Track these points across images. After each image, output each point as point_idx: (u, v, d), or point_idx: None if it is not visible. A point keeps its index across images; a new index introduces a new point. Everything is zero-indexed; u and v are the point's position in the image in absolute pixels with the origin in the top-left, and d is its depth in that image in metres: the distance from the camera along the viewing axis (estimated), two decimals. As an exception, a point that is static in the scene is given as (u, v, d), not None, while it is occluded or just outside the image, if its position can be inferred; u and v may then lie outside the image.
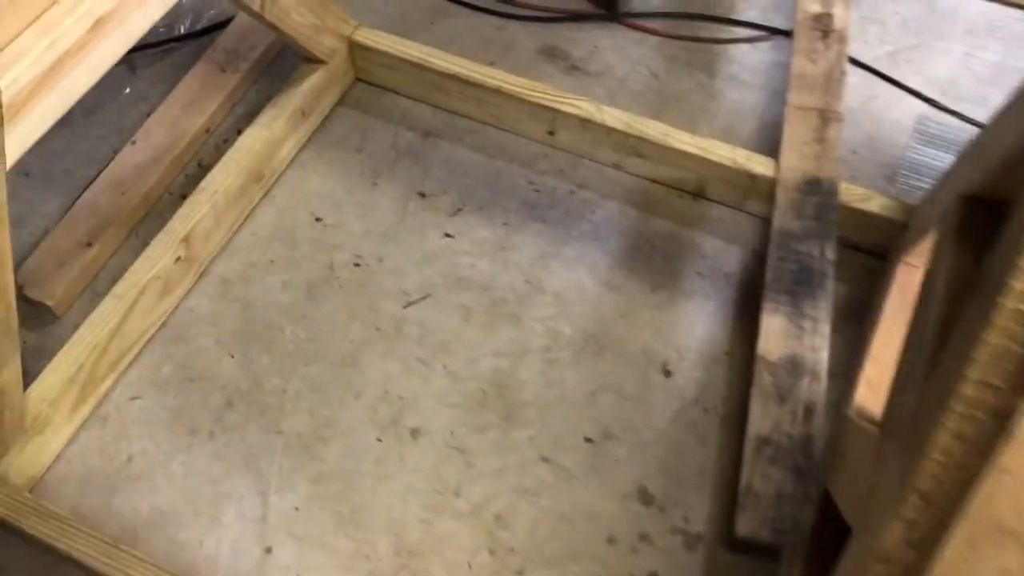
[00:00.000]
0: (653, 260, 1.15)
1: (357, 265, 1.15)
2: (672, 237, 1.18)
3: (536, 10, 1.42)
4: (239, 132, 1.26)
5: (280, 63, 1.35)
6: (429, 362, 1.07)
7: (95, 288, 1.13)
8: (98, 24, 0.82)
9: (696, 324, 1.10)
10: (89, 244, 1.13)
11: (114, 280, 1.10)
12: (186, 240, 1.08)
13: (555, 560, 0.94)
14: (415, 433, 1.02)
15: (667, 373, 1.06)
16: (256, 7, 1.04)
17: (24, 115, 0.78)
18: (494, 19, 1.42)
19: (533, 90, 1.20)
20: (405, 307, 1.11)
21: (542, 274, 1.14)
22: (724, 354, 1.08)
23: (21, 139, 0.79)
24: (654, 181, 1.22)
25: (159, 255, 1.06)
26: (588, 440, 1.01)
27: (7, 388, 0.86)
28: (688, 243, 1.17)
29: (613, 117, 1.17)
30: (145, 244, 1.14)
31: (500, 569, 0.93)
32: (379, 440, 1.01)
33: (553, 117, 1.20)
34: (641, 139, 1.16)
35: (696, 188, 1.20)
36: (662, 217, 1.19)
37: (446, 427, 1.02)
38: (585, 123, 1.18)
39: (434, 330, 1.09)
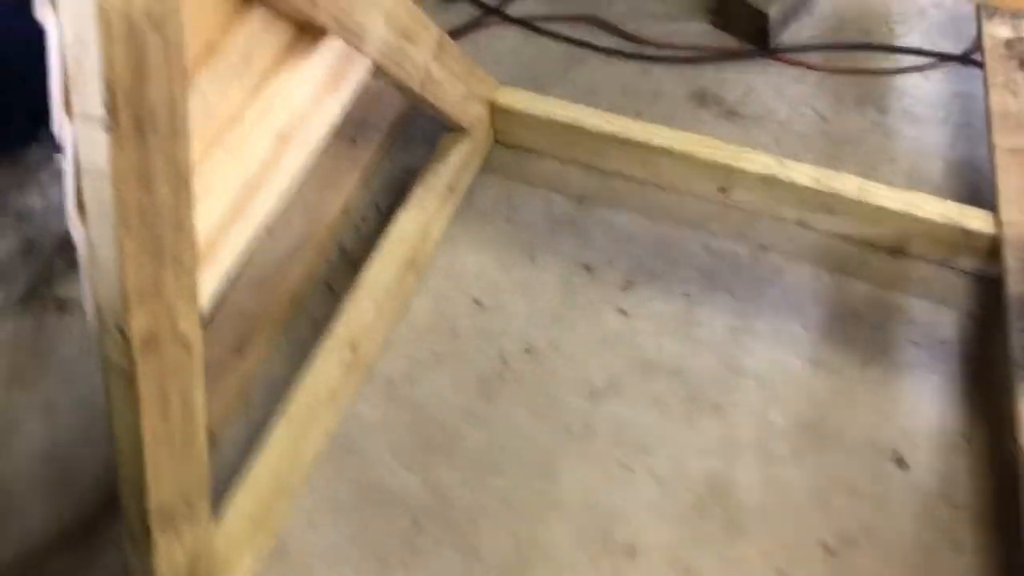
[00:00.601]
0: (859, 329, 1.05)
1: (529, 353, 1.05)
2: (874, 302, 1.07)
3: (678, 50, 1.32)
4: (378, 208, 1.18)
5: (410, 127, 1.26)
6: (631, 466, 0.97)
7: (250, 399, 1.04)
8: (280, 139, 0.73)
9: (921, 403, 0.99)
10: (239, 351, 1.04)
11: (269, 390, 1.02)
12: (352, 344, 0.99)
13: None
14: (630, 552, 0.92)
15: (901, 464, 0.95)
16: (416, 87, 0.94)
17: (216, 252, 0.69)
18: (633, 63, 1.32)
19: (704, 147, 1.10)
20: (590, 401, 1.01)
21: (737, 352, 1.04)
22: (962, 438, 0.97)
23: (213, 277, 0.70)
24: (845, 238, 1.11)
25: (326, 363, 0.97)
26: (827, 549, 0.91)
27: (200, 544, 0.77)
28: (893, 308, 1.06)
29: (800, 173, 1.07)
30: (298, 346, 1.05)
31: None
32: (591, 562, 0.91)
33: (728, 174, 1.10)
34: (833, 195, 1.05)
35: (896, 244, 1.09)
36: (860, 279, 1.09)
37: (664, 543, 0.92)
38: (766, 180, 1.08)
39: (629, 427, 0.99)
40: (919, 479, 0.94)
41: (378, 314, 1.02)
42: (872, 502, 0.93)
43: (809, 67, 1.29)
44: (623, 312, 1.08)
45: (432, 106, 1.01)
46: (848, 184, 1.05)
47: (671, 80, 1.29)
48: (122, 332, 0.59)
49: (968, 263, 1.06)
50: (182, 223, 0.60)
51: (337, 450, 0.99)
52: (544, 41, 1.35)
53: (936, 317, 1.05)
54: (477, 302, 1.10)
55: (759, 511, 0.93)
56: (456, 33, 1.34)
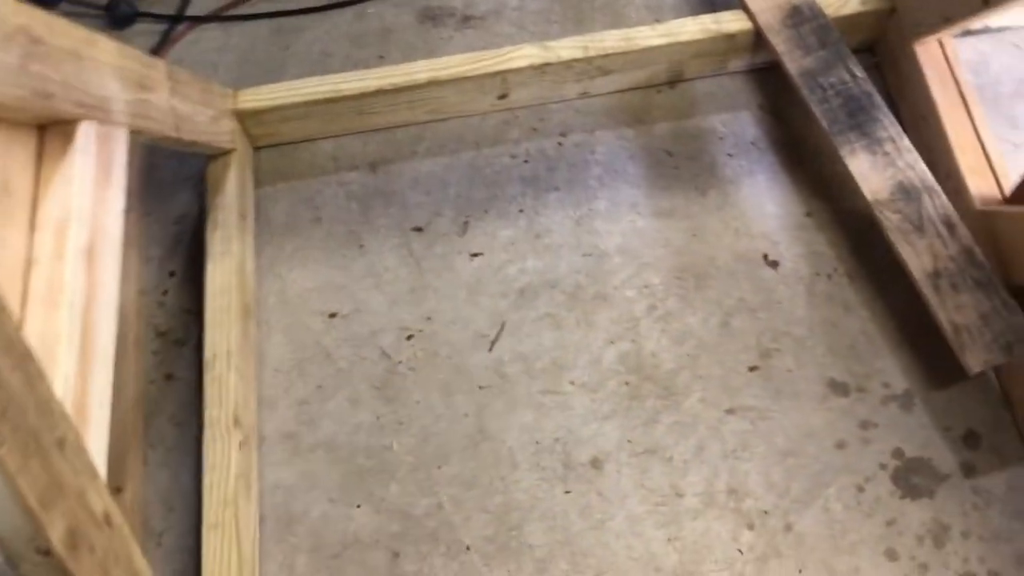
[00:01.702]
0: (680, 167, 1.11)
1: (410, 338, 1.03)
2: (679, 135, 1.13)
3: (385, -21, 1.28)
4: (172, 274, 1.09)
5: (155, 176, 1.16)
6: (555, 389, 0.99)
7: (151, 527, 0.95)
8: (88, 257, 0.65)
9: (761, 204, 1.08)
10: (118, 490, 0.94)
11: (167, 509, 0.94)
12: (235, 420, 0.92)
13: (808, 495, 0.92)
14: (596, 464, 0.95)
15: (772, 264, 1.04)
16: (172, 132, 0.86)
17: (87, 409, 0.61)
18: (348, 11, 1.27)
19: (467, 64, 1.09)
20: (491, 350, 1.01)
21: (591, 239, 1.07)
22: (807, 217, 1.07)
23: (100, 434, 0.62)
24: (626, 90, 1.16)
25: (219, 452, 0.90)
26: (753, 369, 0.98)
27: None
28: (697, 133, 1.13)
29: (566, 48, 1.09)
30: (173, 452, 0.97)
31: (770, 535, 0.90)
32: (568, 492, 0.94)
33: (503, 79, 1.10)
34: (605, 56, 1.09)
35: (672, 75, 1.15)
36: (657, 121, 1.14)
37: (618, 439, 0.96)
38: (538, 70, 1.10)
39: (535, 356, 1.01)
40: (791, 269, 1.03)
41: (241, 378, 0.96)
42: (767, 309, 1.01)
43: (513, -56, 1.29)
44: (474, 254, 1.07)
45: (190, 143, 0.93)
46: (612, 40, 1.09)
47: (392, 12, 1.26)
48: (43, 551, 0.52)
49: (740, 63, 1.14)
50: (46, 403, 0.52)
51: (276, 528, 0.94)
52: (246, 27, 1.27)
53: (736, 124, 1.13)
54: (331, 315, 1.05)
55: (681, 366, 0.99)
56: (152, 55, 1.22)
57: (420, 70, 1.09)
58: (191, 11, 1.28)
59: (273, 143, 1.16)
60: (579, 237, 1.07)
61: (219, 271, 1.00)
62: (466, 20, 1.25)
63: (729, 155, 1.11)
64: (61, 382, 0.56)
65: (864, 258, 1.03)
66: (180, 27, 1.27)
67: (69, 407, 0.56)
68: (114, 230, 0.67)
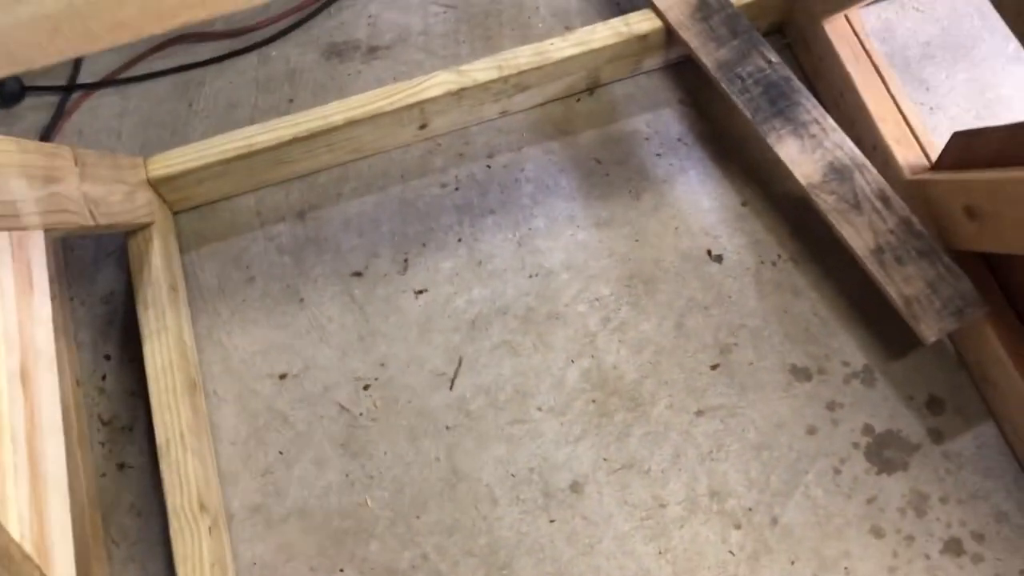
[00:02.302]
0: (611, 173, 1.11)
1: (367, 388, 1.01)
2: (605, 141, 1.13)
3: (278, 20, 1.25)
4: (108, 358, 1.05)
5: (74, 257, 1.11)
6: (522, 418, 0.98)
7: (133, 631, 0.92)
8: (23, 379, 0.62)
9: (698, 199, 1.09)
10: (85, 596, 0.91)
11: (146, 606, 0.91)
12: (200, 505, 0.89)
13: (788, 486, 0.93)
14: (576, 487, 0.95)
15: (718, 259, 1.05)
16: (88, 220, 0.83)
17: (50, 548, 0.58)
18: (247, 58, 1.24)
19: (380, 99, 1.07)
20: (452, 388, 1.00)
21: (534, 258, 1.07)
22: (743, 207, 1.08)
23: (67, 568, 0.59)
24: (547, 103, 1.16)
25: (190, 541, 0.87)
26: (715, 367, 0.99)
27: None
28: (623, 136, 1.14)
29: (480, 71, 1.08)
30: (137, 545, 0.94)
31: (758, 531, 0.91)
32: (552, 521, 0.93)
33: (420, 110, 1.09)
34: (520, 73, 1.08)
35: (590, 83, 1.15)
36: (581, 129, 1.14)
37: (595, 459, 0.96)
38: (455, 95, 1.09)
39: (496, 387, 1.00)
40: (736, 261, 1.05)
41: (198, 459, 0.92)
42: (718, 305, 1.02)
43: (408, -33, 1.28)
44: (419, 291, 1.06)
45: (107, 226, 0.89)
46: (525, 56, 1.08)
47: (296, 52, 1.23)
48: None
49: (655, 61, 1.15)
50: (4, 550, 0.49)
51: (259, 608, 0.92)
52: (145, 87, 1.23)
53: (659, 122, 1.14)
54: (281, 376, 1.03)
55: (644, 377, 0.99)
56: (48, 131, 1.18)
57: (334, 112, 1.07)
58: (83, 78, 1.23)
59: (192, 206, 1.12)
60: (522, 258, 1.07)
61: (157, 350, 0.96)
62: (372, 51, 1.23)
63: (657, 155, 1.12)
64: (15, 521, 0.53)
65: (805, 240, 1.05)
66: (74, 96, 1.22)
67: (29, 546, 0.53)
68: (45, 343, 0.64)
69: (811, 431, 0.96)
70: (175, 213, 1.12)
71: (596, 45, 1.09)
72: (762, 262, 1.04)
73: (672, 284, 1.04)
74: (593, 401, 0.98)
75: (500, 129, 1.15)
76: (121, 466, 0.99)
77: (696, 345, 1.00)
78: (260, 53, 1.24)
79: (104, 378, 1.04)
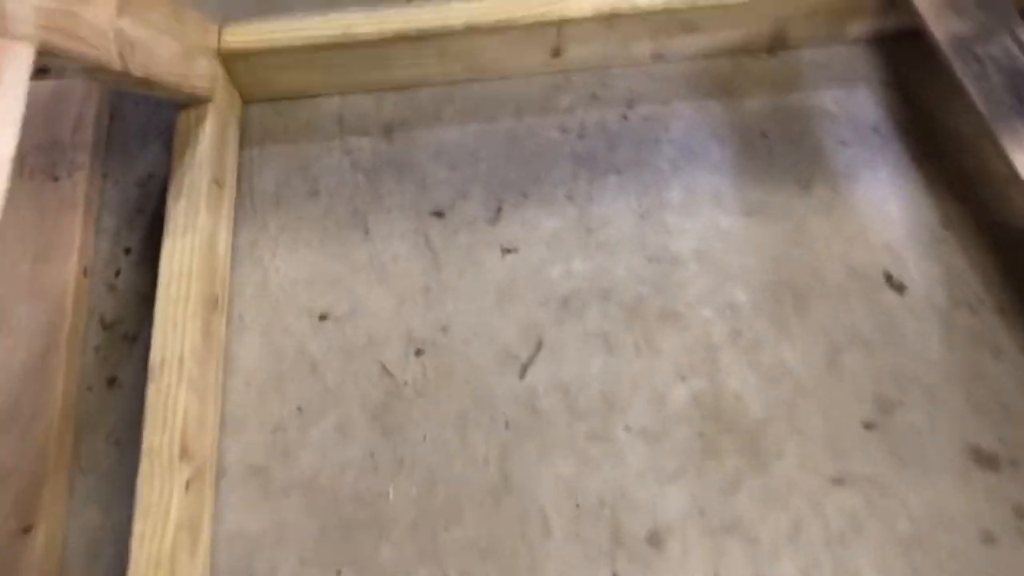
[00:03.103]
0: (777, 152, 0.89)
1: (420, 352, 0.82)
2: (778, 113, 0.91)
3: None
4: (129, 251, 0.88)
5: (126, 127, 0.96)
6: (603, 434, 0.77)
7: (73, 583, 0.75)
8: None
9: (886, 206, 0.85)
10: (28, 529, 0.74)
11: (94, 558, 0.74)
12: (184, 449, 0.71)
13: (944, 604, 0.70)
14: (655, 539, 0.73)
15: (898, 287, 0.82)
16: (112, 62, 0.65)
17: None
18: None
19: (520, 7, 0.88)
20: (523, 376, 0.80)
21: (659, 238, 0.85)
22: (944, 228, 0.84)
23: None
24: (714, 54, 0.94)
25: (159, 499, 0.69)
26: (869, 426, 0.76)
27: None
28: (800, 112, 0.91)
29: (642, -6, 0.87)
30: (103, 481, 0.77)
31: (890, 657, 0.68)
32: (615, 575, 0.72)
33: (558, 30, 0.89)
34: (693, 8, 0.87)
35: (775, 39, 0.93)
36: (750, 94, 0.92)
37: (689, 509, 0.74)
38: (607, 20, 0.88)
39: (579, 386, 0.79)
40: (923, 295, 0.81)
41: (195, 393, 0.75)
42: (886, 345, 0.79)
43: None
44: (507, 249, 0.86)
45: (142, 81, 0.72)
46: (701, -14, 0.87)
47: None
48: None
49: (860, 28, 0.92)
50: None
51: (228, 593, 0.74)
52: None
53: (852, 103, 0.91)
54: (322, 316, 0.84)
55: (774, 415, 0.77)
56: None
57: (455, 14, 0.88)
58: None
59: (266, 97, 0.95)
60: (644, 235, 0.86)
61: (178, 250, 0.79)
62: (516, -41, 1.03)
63: (842, 142, 0.89)
64: None
65: (1014, 284, 0.81)
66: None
67: None
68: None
69: (987, 539, 0.72)
70: (246, 102, 0.95)
71: (793, -11, 0.87)
72: (957, 304, 0.80)
73: (831, 305, 0.81)
74: (700, 434, 0.77)
75: (649, 75, 0.94)
76: (112, 381, 0.83)
77: (849, 391, 0.77)
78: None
79: (118, 274, 0.88)
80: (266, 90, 0.94)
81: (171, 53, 0.76)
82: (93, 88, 0.94)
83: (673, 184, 0.88)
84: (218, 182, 0.85)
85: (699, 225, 0.86)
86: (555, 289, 0.84)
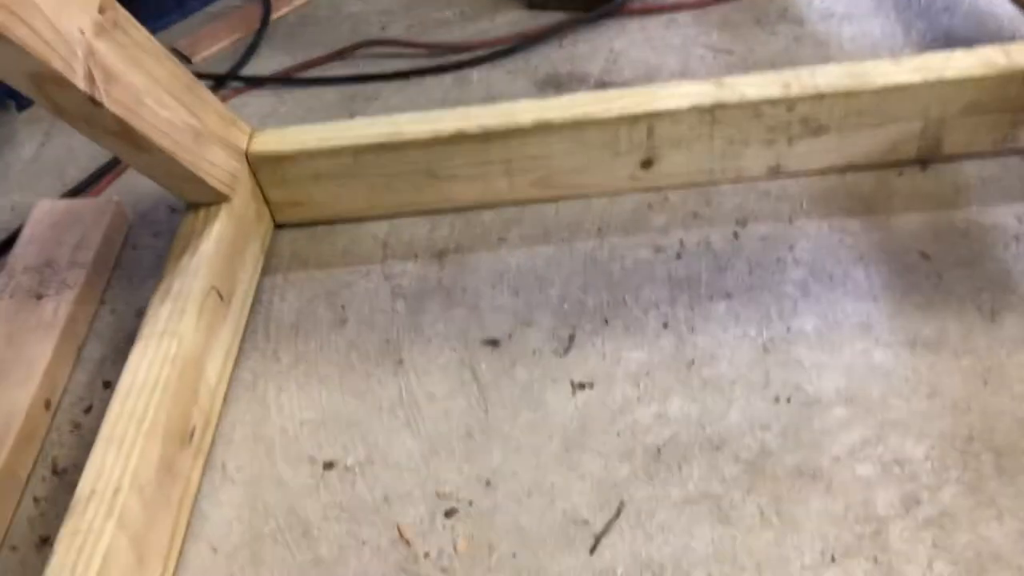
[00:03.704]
0: (947, 276, 0.68)
1: (452, 513, 0.60)
2: (944, 232, 0.71)
3: (495, 45, 0.99)
4: (106, 386, 0.72)
5: (130, 258, 0.83)
6: (718, 639, 0.51)
7: None
8: None
9: (1111, 339, 0.62)
10: None
11: None
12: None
13: None
14: None
15: None
16: (80, 84, 0.53)
17: None
18: (444, 78, 0.97)
19: (598, 101, 0.74)
20: (593, 550, 0.56)
21: (793, 376, 0.63)
22: None
23: None
24: (846, 169, 0.76)
25: None
26: None
27: None
28: (971, 230, 0.71)
29: (753, 86, 0.72)
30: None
31: None
32: None
33: (646, 132, 0.73)
34: (817, 97, 0.71)
35: (924, 148, 0.75)
36: (901, 210, 0.73)
37: None
38: (710, 116, 0.73)
39: (677, 568, 0.54)
40: None
41: (133, 544, 0.54)
42: None
43: (676, 8, 0.99)
44: (580, 384, 0.65)
45: (127, 130, 0.59)
46: (831, 75, 0.72)
47: (504, 78, 0.95)
48: None
49: (1037, 132, 0.74)
50: None
51: None
52: (306, 93, 0.99)
53: (1038, 220, 0.71)
54: (328, 464, 0.64)
55: (993, 625, 0.50)
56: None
57: (523, 110, 0.75)
58: (247, 71, 1.02)
59: (301, 220, 0.82)
60: (768, 370, 0.64)
61: (148, 358, 0.62)
62: (602, 87, 0.92)
63: (1035, 262, 0.68)
64: None
65: None
66: (226, 88, 1.00)
67: None
68: None
69: None
70: (278, 226, 0.82)
71: (949, 75, 0.70)
72: None
73: (1054, 467, 0.56)
74: (867, 647, 0.50)
75: (764, 193, 0.77)
76: (44, 542, 0.63)
77: (1105, 592, 0.50)
78: (458, 75, 0.97)
79: (88, 410, 0.71)
80: (300, 210, 0.81)
81: (176, 119, 0.64)
82: (108, 210, 0.83)
83: (804, 310, 0.67)
84: (220, 294, 0.69)
85: (843, 360, 0.64)
86: (644, 437, 0.62)
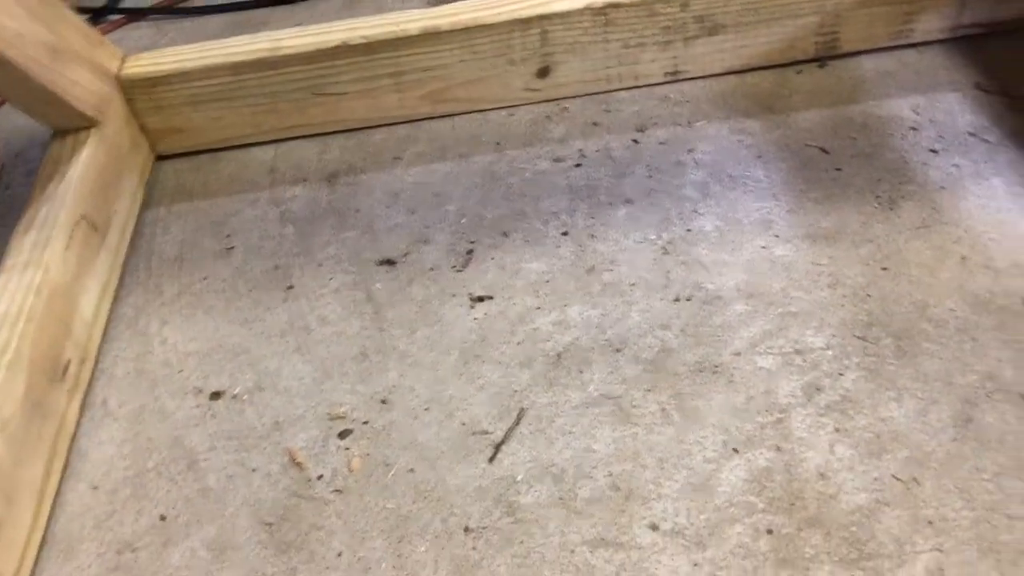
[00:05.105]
0: (846, 169, 0.68)
1: (346, 434, 0.57)
2: (841, 126, 0.71)
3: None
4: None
5: (2, 199, 0.79)
6: (618, 537, 0.50)
7: None
8: None
9: (1006, 220, 0.62)
10: None
11: None
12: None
13: None
14: None
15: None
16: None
17: None
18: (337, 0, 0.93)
19: (488, 6, 0.71)
20: (493, 458, 0.54)
21: (694, 275, 0.62)
22: (1101, 238, 0.60)
23: None
24: (745, 70, 0.75)
25: None
26: None
27: None
28: (870, 122, 0.71)
29: (646, -16, 0.70)
30: None
31: None
32: None
33: (542, 36, 0.71)
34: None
35: (822, 45, 0.74)
36: (800, 108, 0.73)
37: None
38: (603, 17, 0.71)
39: (579, 471, 0.53)
40: (1093, 324, 0.56)
41: (6, 501, 0.51)
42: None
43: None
44: (479, 298, 0.64)
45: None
46: (722, -30, 0.70)
47: (396, -5, 0.92)
48: None
49: (940, 22, 0.74)
50: None
51: None
52: (192, 23, 0.94)
53: (938, 111, 0.71)
54: (215, 394, 0.61)
55: (882, 500, 0.50)
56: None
57: (410, 19, 0.72)
58: (127, 3, 0.97)
59: (183, 149, 0.78)
60: (668, 271, 0.63)
61: (10, 289, 0.58)
62: (499, 1, 0.88)
63: (932, 150, 0.68)
64: None
65: None
66: (104, 23, 0.95)
67: None
68: None
69: None
70: (159, 157, 0.78)
71: (842, -34, 0.69)
72: None
73: (952, 347, 0.56)
74: (768, 531, 0.49)
75: (663, 97, 0.75)
76: (-90, 492, 0.59)
77: (1002, 462, 0.50)
78: (349, -2, 0.93)
79: (-44, 355, 0.66)
80: (181, 138, 0.77)
81: (26, 32, 0.60)
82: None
83: (705, 211, 0.66)
84: (93, 225, 0.65)
85: (744, 257, 0.63)
86: (544, 344, 0.60)
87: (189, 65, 0.72)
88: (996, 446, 0.51)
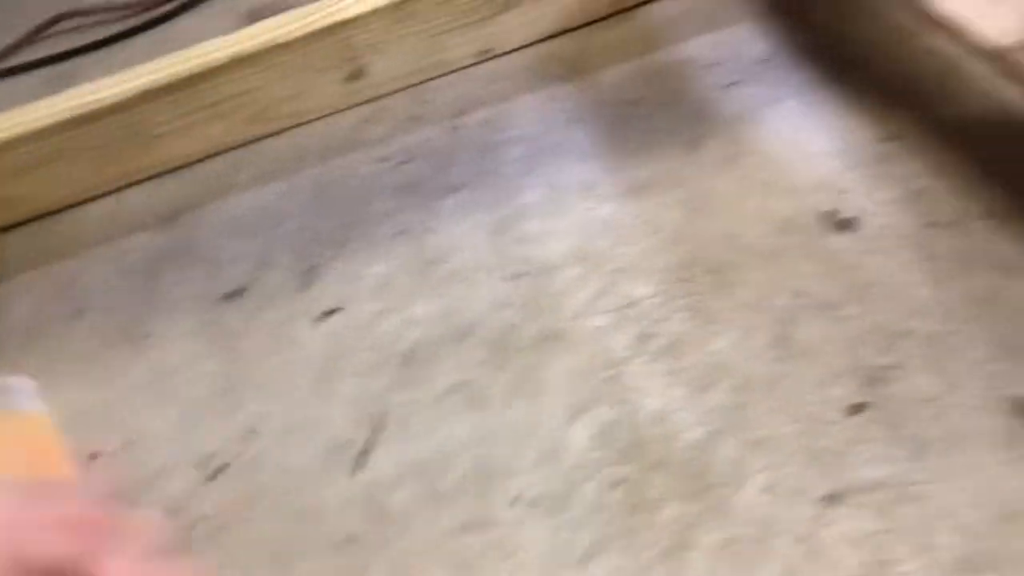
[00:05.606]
0: (656, 117, 0.71)
1: (221, 470, 0.59)
2: (645, 76, 0.74)
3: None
4: None
5: None
6: (483, 517, 0.54)
7: None
8: None
9: (803, 140, 0.67)
10: None
11: None
12: None
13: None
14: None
15: (847, 225, 0.61)
16: None
17: None
18: (151, 35, 0.93)
19: (291, 21, 0.72)
20: (356, 469, 0.57)
21: (525, 250, 0.65)
22: (886, 143, 0.65)
23: None
24: (547, 37, 0.78)
25: None
26: (856, 409, 0.53)
27: None
28: (671, 68, 0.74)
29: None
30: None
31: None
32: None
33: (348, 43, 0.73)
34: (498, -28, 0.72)
35: (615, 2, 0.77)
36: (606, 64, 0.76)
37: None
38: (401, 10, 0.72)
39: (441, 461, 0.57)
40: (884, 225, 0.61)
41: None
42: (855, 301, 0.57)
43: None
44: (326, 313, 0.66)
45: None
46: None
47: (210, 23, 0.92)
48: None
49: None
50: None
51: None
52: (4, 88, 0.93)
53: (729, 45, 0.75)
54: (90, 457, 0.62)
55: (717, 430, 0.54)
56: None
57: (216, 48, 0.72)
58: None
59: (20, 218, 0.78)
60: (502, 251, 0.66)
61: None
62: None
63: (730, 84, 0.71)
64: None
65: (1015, 179, 0.60)
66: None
67: None
68: None
69: (1081, 528, 0.47)
70: (2, 229, 0.78)
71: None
72: (933, 224, 0.59)
73: (763, 271, 0.60)
74: (619, 483, 0.53)
75: (477, 78, 0.77)
76: None
77: (817, 373, 0.55)
78: (162, 30, 0.93)
79: None
80: (15, 209, 0.77)
81: None
82: None
83: (528, 185, 0.69)
84: (-68, 317, 0.65)
85: (569, 222, 0.66)
86: (392, 346, 0.63)
87: (3, 136, 0.72)
88: (813, 357, 0.56)
